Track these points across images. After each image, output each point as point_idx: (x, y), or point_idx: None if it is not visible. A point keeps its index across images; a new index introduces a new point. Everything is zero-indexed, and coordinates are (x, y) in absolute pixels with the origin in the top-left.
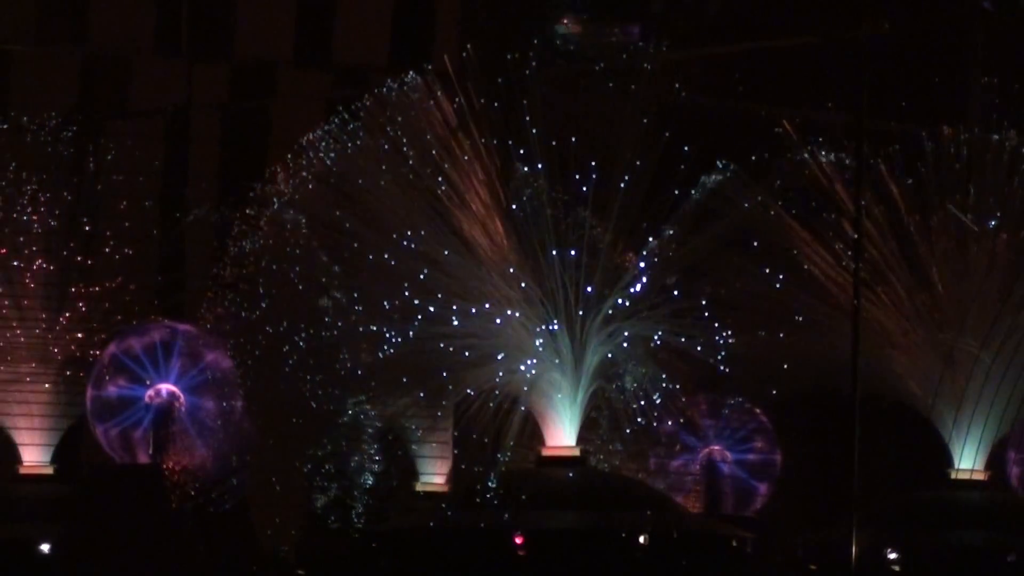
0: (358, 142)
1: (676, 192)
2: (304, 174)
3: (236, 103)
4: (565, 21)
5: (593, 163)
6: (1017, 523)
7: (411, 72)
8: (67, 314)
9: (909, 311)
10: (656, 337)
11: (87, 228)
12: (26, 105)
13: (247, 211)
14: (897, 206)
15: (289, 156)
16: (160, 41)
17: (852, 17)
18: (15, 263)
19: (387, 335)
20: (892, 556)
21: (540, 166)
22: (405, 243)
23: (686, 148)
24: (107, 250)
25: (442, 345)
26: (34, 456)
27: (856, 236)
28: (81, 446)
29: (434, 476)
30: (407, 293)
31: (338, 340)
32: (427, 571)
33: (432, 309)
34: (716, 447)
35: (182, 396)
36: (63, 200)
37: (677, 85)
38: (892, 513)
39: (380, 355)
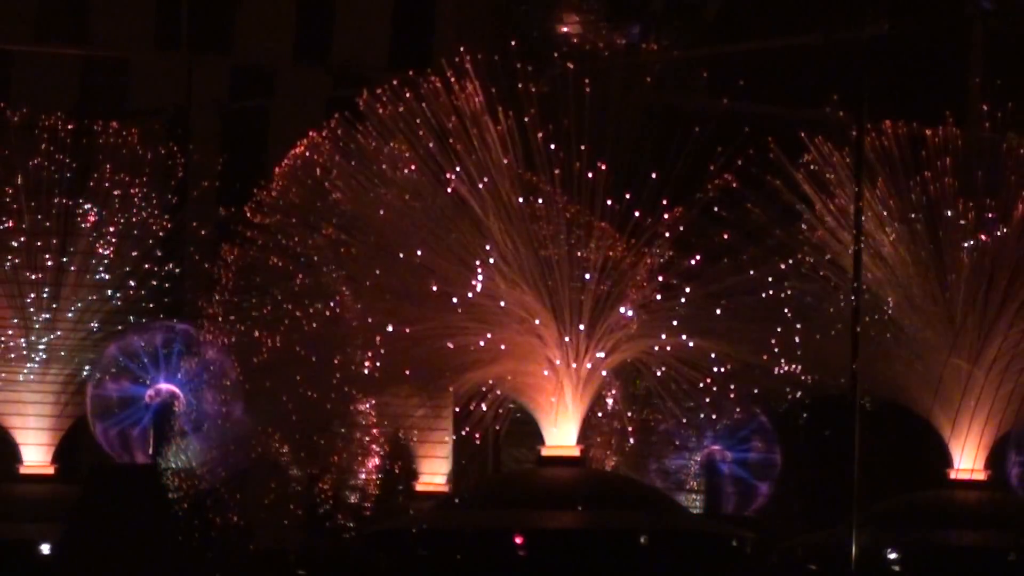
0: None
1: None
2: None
3: (236, 103)
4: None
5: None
6: (1017, 523)
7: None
8: (68, 314)
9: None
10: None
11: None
12: (25, 105)
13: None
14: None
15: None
16: (160, 41)
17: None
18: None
19: (387, 334)
20: (892, 556)
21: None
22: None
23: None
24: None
25: (442, 344)
26: (34, 456)
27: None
28: (81, 446)
29: (434, 476)
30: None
31: (338, 339)
32: (427, 571)
33: (436, 310)
34: (716, 447)
35: (182, 396)
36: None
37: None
38: (892, 513)
39: (380, 354)
